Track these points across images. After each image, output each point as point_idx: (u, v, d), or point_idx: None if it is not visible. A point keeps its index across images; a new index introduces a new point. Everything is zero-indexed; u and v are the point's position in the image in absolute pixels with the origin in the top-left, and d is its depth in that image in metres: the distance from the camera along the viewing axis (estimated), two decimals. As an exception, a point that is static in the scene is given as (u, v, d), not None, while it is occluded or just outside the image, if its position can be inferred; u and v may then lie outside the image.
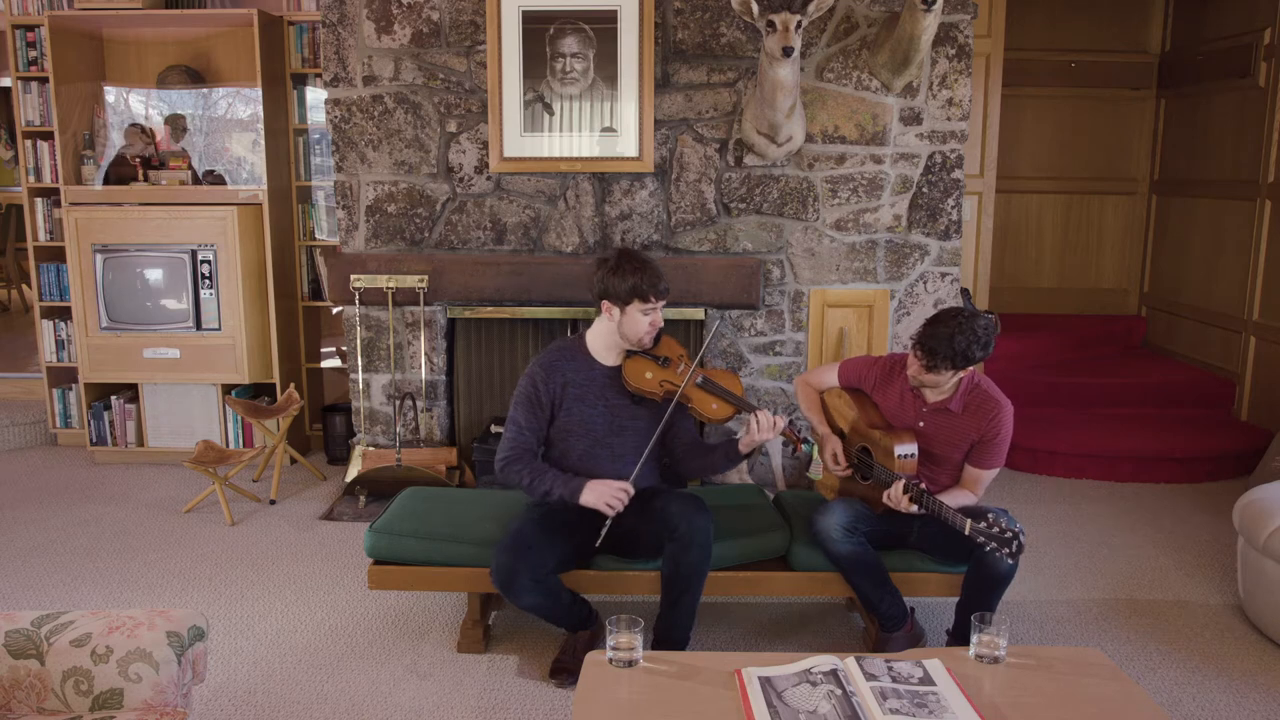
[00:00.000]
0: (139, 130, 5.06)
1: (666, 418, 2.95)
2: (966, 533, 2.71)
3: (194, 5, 5.05)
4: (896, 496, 2.89)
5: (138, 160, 5.02)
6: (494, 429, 4.52)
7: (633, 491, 2.86)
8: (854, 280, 4.44)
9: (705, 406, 2.96)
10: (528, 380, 3.00)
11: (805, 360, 4.48)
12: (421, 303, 4.43)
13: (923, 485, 2.89)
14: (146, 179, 4.96)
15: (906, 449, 2.96)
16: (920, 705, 2.04)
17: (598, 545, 2.91)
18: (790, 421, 2.93)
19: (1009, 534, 2.66)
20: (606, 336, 3.01)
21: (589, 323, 4.49)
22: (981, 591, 2.90)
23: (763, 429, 2.85)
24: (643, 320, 2.93)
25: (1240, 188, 5.49)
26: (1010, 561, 2.71)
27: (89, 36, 5.06)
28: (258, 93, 4.85)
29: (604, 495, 2.84)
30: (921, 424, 3.03)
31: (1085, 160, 6.45)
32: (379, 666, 3.07)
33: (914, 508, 2.87)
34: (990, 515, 2.73)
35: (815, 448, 2.98)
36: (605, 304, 2.95)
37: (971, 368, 2.96)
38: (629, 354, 3.02)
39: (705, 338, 4.47)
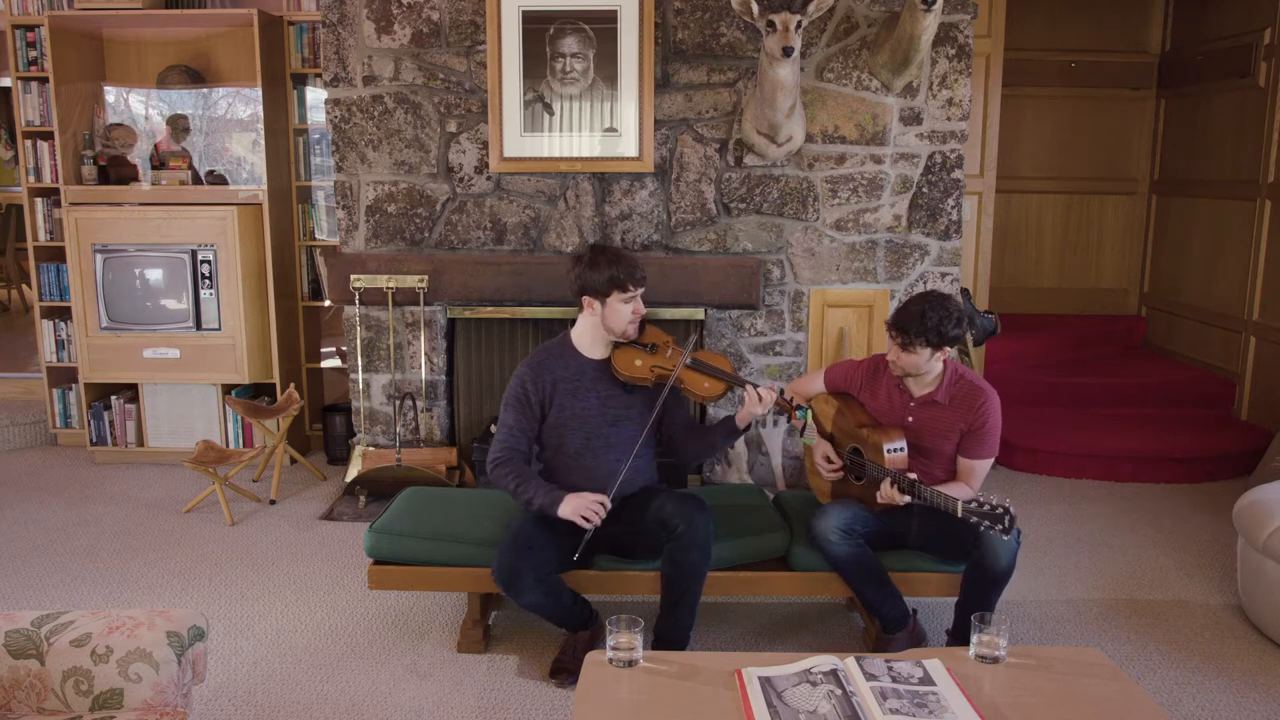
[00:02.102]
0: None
1: (662, 401, 2.95)
2: (959, 514, 2.72)
3: (194, 5, 5.05)
4: (888, 492, 2.90)
5: (135, 161, 5.03)
6: (494, 429, 4.51)
7: (609, 506, 2.86)
8: (854, 280, 4.44)
9: (698, 386, 2.96)
10: (516, 382, 3.01)
11: (805, 360, 4.48)
12: (421, 303, 4.43)
13: (912, 476, 2.90)
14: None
15: (895, 444, 2.98)
16: (920, 705, 2.05)
17: (574, 559, 2.89)
18: (781, 391, 2.95)
19: (1000, 509, 2.67)
20: (591, 331, 3.02)
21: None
22: (980, 590, 2.90)
23: (757, 403, 2.87)
24: (625, 309, 2.94)
25: (1240, 188, 5.49)
26: (1006, 537, 2.71)
27: (89, 36, 5.06)
28: (258, 93, 4.85)
29: (579, 508, 2.84)
30: (910, 418, 3.04)
31: (1085, 160, 6.45)
32: (379, 666, 3.07)
33: (906, 499, 2.88)
34: (980, 496, 2.74)
35: (809, 413, 2.98)
36: (585, 299, 2.97)
37: (952, 357, 3.00)
38: (616, 345, 3.03)
39: (713, 345, 4.48)
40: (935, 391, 3.01)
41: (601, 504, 2.85)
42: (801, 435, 3.26)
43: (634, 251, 4.42)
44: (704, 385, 2.96)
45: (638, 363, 2.99)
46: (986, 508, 2.69)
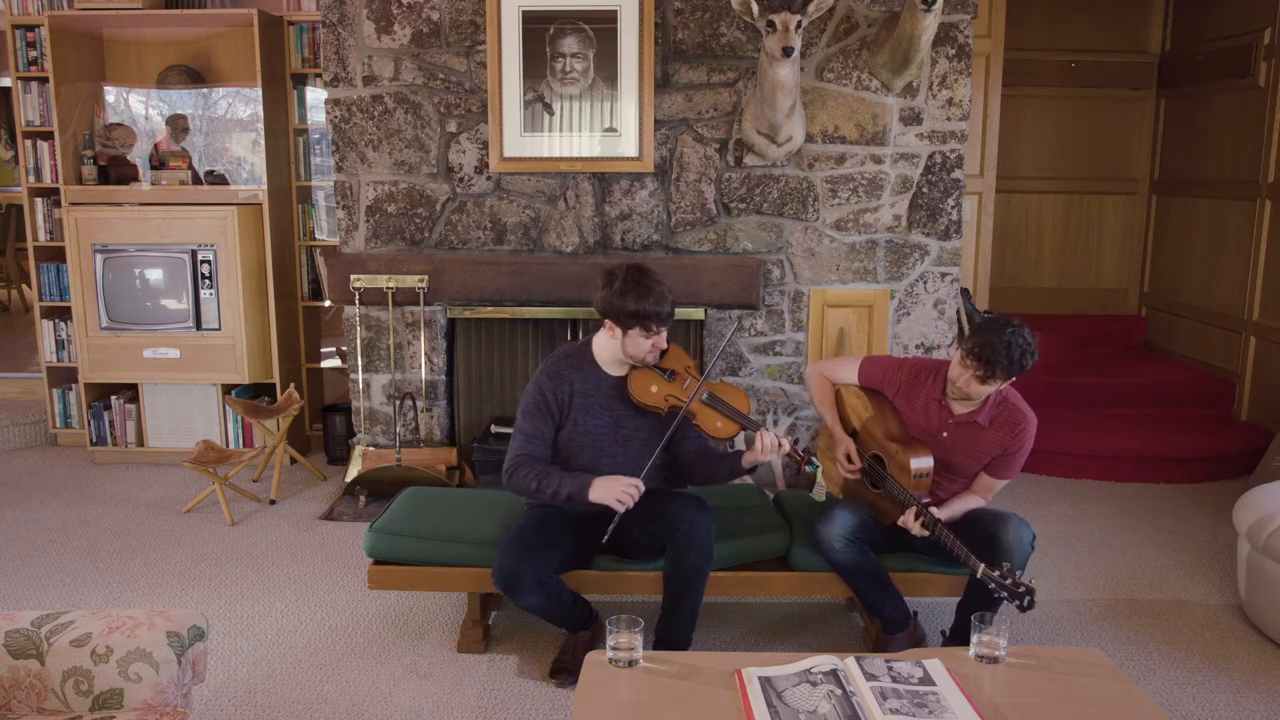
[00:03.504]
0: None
1: (670, 435, 2.90)
2: (978, 576, 2.67)
3: (194, 5, 5.05)
4: (910, 522, 2.87)
5: (135, 161, 5.02)
6: (494, 429, 4.52)
7: (643, 488, 2.82)
8: (854, 280, 4.44)
9: (710, 424, 2.91)
10: (535, 388, 2.96)
11: (805, 360, 4.48)
12: (421, 303, 4.43)
13: (933, 510, 2.87)
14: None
15: (923, 464, 2.90)
16: (920, 705, 2.04)
17: (604, 541, 2.85)
18: (795, 441, 2.90)
19: (1022, 588, 2.60)
20: (612, 349, 2.96)
21: (589, 324, 4.53)
22: (987, 592, 2.88)
23: (767, 450, 2.82)
24: (644, 343, 2.89)
25: (1240, 188, 5.49)
26: (1019, 612, 2.64)
27: (89, 36, 5.06)
28: (258, 93, 4.85)
29: (614, 491, 2.79)
30: (945, 434, 2.96)
31: (1085, 160, 6.45)
32: (379, 666, 3.07)
33: (926, 532, 2.85)
34: (1005, 565, 2.66)
35: (819, 470, 2.94)
36: (608, 322, 2.91)
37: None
38: (634, 366, 2.98)
39: (710, 344, 4.47)
40: (977, 413, 2.93)
41: (635, 486, 2.80)
42: (811, 491, 3.20)
43: (634, 252, 4.43)
44: (716, 424, 2.90)
45: (653, 389, 2.93)
46: (1009, 581, 2.60)
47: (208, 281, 4.78)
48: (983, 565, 2.67)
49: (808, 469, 2.87)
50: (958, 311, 4.66)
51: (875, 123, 4.31)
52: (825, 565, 3.01)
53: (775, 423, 4.53)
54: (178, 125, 5.15)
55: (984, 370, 2.75)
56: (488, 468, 4.40)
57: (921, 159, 4.34)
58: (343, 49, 4.35)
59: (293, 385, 4.84)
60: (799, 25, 3.55)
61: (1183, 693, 2.97)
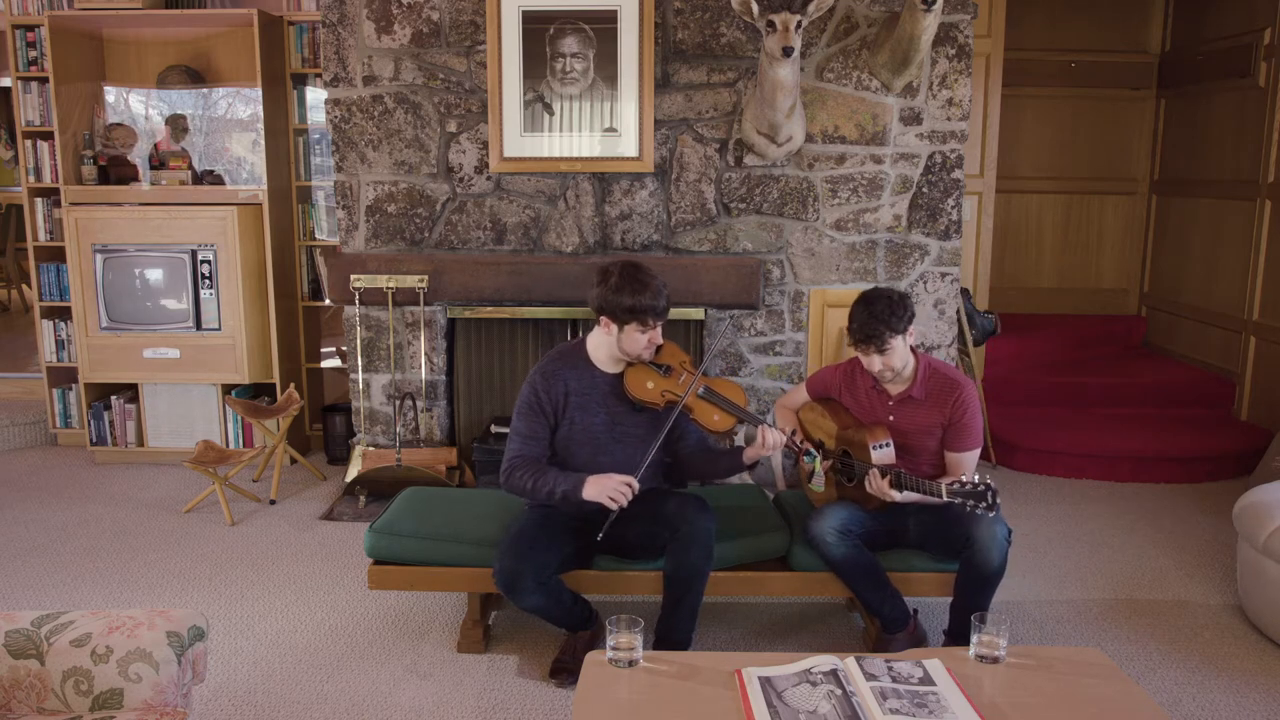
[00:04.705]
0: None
1: (666, 430, 2.91)
2: (945, 497, 2.75)
3: (194, 5, 5.05)
4: (879, 485, 2.91)
5: (135, 161, 5.02)
6: (494, 429, 4.52)
7: (637, 487, 2.82)
8: (854, 280, 4.44)
9: (707, 417, 2.92)
10: (529, 389, 2.96)
11: (805, 360, 4.48)
12: (421, 303, 4.43)
13: (899, 469, 2.91)
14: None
15: (881, 442, 3.00)
16: (920, 705, 2.05)
17: (599, 540, 2.85)
18: (793, 432, 2.94)
19: (981, 487, 2.71)
20: (607, 347, 2.97)
21: (589, 324, 4.53)
22: (973, 590, 2.91)
23: (769, 444, 2.85)
24: (640, 339, 2.89)
25: (1240, 188, 5.49)
26: (991, 515, 2.73)
27: (89, 36, 5.06)
28: (258, 93, 4.85)
29: (606, 489, 2.79)
30: (891, 418, 3.05)
31: (1085, 160, 6.46)
32: (379, 666, 3.07)
33: (897, 494, 2.89)
34: (962, 477, 2.78)
35: (817, 459, 2.97)
36: (603, 319, 2.91)
37: (922, 353, 3.05)
38: (629, 363, 2.99)
39: (709, 344, 4.47)
40: (911, 388, 3.03)
41: (629, 484, 2.79)
42: (809, 482, 3.23)
43: (634, 251, 4.43)
44: (713, 418, 2.92)
45: (649, 385, 2.94)
46: (969, 487, 2.73)
47: (208, 281, 4.78)
48: (944, 485, 2.77)
49: (805, 460, 2.92)
50: (958, 311, 4.66)
51: (875, 123, 4.31)
52: (825, 565, 3.02)
53: (774, 423, 4.52)
54: (178, 125, 5.15)
55: (875, 344, 2.91)
56: (488, 468, 4.40)
57: (921, 159, 4.34)
58: (343, 49, 4.35)
59: (293, 385, 4.84)
60: (799, 25, 3.56)
61: (1183, 693, 2.97)
